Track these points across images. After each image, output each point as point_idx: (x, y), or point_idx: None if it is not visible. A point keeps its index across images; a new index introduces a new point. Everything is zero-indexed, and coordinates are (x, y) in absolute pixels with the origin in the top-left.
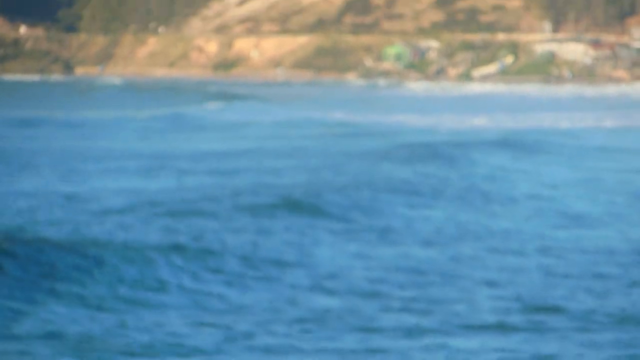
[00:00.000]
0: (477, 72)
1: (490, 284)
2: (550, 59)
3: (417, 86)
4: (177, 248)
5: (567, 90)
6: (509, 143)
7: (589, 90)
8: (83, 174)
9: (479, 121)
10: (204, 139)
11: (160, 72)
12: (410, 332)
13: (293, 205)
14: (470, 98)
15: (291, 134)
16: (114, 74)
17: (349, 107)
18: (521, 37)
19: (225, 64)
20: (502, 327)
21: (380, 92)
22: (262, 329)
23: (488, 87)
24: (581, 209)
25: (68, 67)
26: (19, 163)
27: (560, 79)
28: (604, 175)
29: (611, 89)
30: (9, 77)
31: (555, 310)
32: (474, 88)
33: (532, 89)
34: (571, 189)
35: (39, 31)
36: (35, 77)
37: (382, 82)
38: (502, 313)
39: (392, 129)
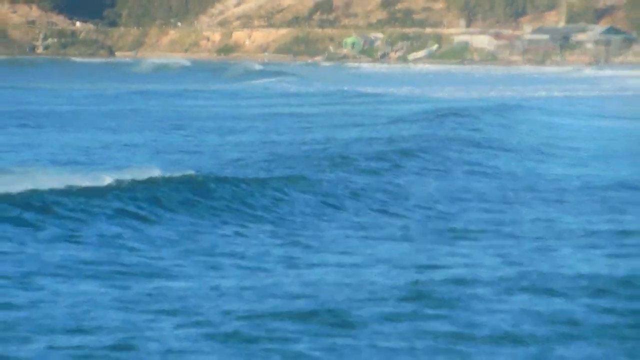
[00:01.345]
0: (411, 56)
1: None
2: (465, 47)
3: (368, 66)
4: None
5: (475, 69)
6: (522, 107)
7: (495, 70)
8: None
9: (457, 93)
10: (287, 104)
11: (178, 56)
12: None
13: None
14: (415, 74)
15: (345, 102)
16: (145, 56)
17: (349, 82)
18: (444, 31)
19: (226, 49)
20: None
21: (350, 71)
22: None
23: (423, 67)
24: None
25: (111, 52)
26: (205, 124)
27: (472, 62)
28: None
29: (510, 70)
30: (73, 58)
31: None
32: (416, 67)
33: (453, 68)
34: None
35: (90, 25)
36: (87, 59)
37: (347, 63)
38: None
39: (407, 97)
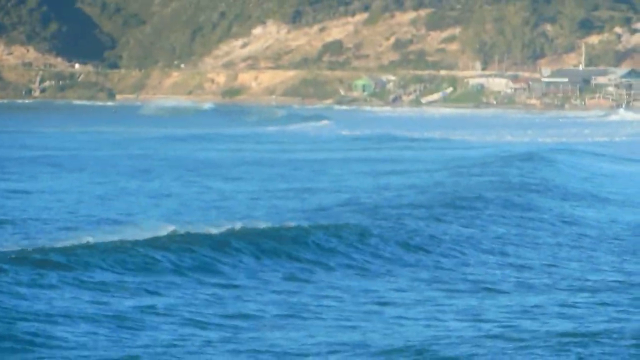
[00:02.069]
0: (425, 99)
1: None
2: (481, 90)
3: (387, 109)
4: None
5: (493, 113)
6: (568, 151)
7: (516, 114)
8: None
9: (497, 137)
10: (341, 149)
11: (182, 99)
12: None
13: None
14: (440, 118)
15: (391, 146)
16: (146, 100)
17: (384, 126)
18: (458, 73)
19: (231, 92)
20: None
21: (369, 114)
22: None
23: (440, 110)
24: None
25: (111, 95)
26: (269, 170)
27: (488, 105)
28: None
29: (527, 114)
30: (74, 101)
31: None
32: (431, 110)
33: (473, 111)
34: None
35: (89, 67)
36: (87, 102)
37: (364, 106)
38: None
39: (450, 143)
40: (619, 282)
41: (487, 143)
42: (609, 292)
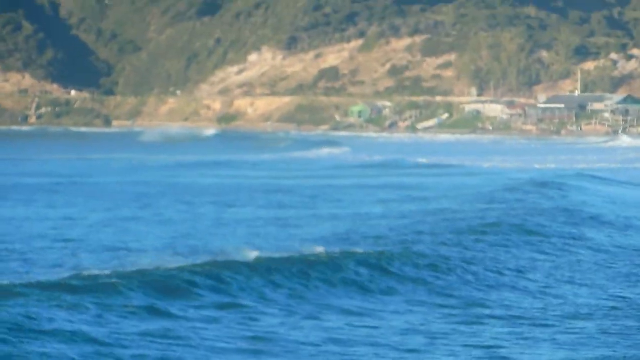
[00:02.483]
0: (421, 125)
1: None
2: (477, 116)
3: (376, 136)
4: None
5: (493, 139)
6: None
7: (513, 140)
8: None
9: (508, 164)
10: (360, 176)
11: (178, 125)
12: None
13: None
14: (439, 144)
15: (413, 173)
16: (142, 127)
17: (395, 152)
18: (454, 99)
19: (227, 118)
20: None
21: (373, 140)
22: None
23: (438, 136)
24: None
25: (107, 121)
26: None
27: (484, 131)
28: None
29: (531, 140)
30: (71, 128)
31: None
32: (427, 136)
33: (465, 137)
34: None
35: (85, 94)
36: (83, 129)
37: (360, 133)
38: None
39: (472, 169)
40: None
41: (509, 169)
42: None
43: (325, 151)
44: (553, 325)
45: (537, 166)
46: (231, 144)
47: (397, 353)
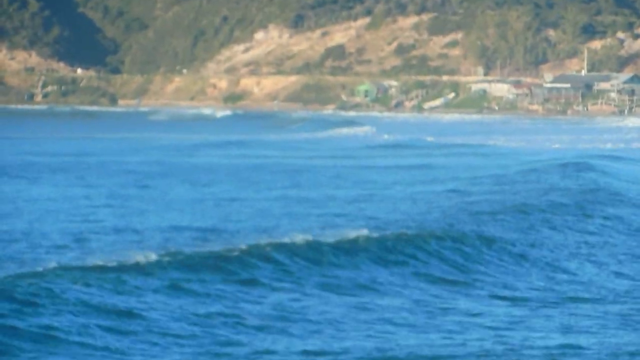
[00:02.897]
0: (427, 104)
1: None
2: (483, 95)
3: (382, 115)
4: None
5: (498, 119)
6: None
7: (515, 119)
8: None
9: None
10: (384, 156)
11: (184, 104)
12: None
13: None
14: (443, 123)
15: (438, 153)
16: (148, 105)
17: (417, 131)
18: (460, 79)
19: (233, 97)
20: None
21: (393, 119)
22: None
23: (446, 116)
24: None
25: (113, 100)
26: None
27: (491, 110)
28: None
29: (544, 120)
30: (78, 107)
31: None
32: (437, 116)
33: (473, 117)
34: None
35: (91, 72)
36: (90, 107)
37: (367, 112)
38: None
39: (499, 149)
40: None
41: (532, 150)
42: None
43: (347, 131)
44: None
45: (556, 146)
46: (252, 124)
47: None
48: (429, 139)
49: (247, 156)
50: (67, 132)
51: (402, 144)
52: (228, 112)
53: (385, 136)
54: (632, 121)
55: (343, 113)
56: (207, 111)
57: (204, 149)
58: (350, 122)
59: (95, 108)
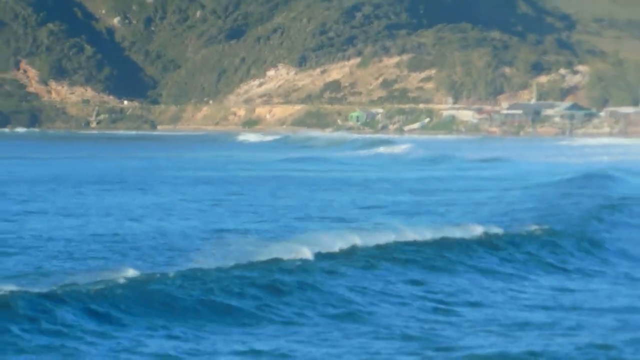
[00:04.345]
0: (407, 127)
1: None
2: (452, 120)
3: (373, 136)
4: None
5: (467, 138)
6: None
7: (479, 139)
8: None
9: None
10: (412, 170)
11: (210, 128)
12: None
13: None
14: (453, 141)
15: (485, 166)
16: (183, 130)
17: (434, 147)
18: (434, 106)
19: (250, 123)
20: None
21: (398, 139)
22: None
23: (423, 137)
24: None
25: (153, 126)
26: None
27: (458, 132)
28: None
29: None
30: (121, 132)
31: None
32: (414, 136)
33: (445, 138)
34: None
35: (135, 103)
36: (133, 132)
37: (358, 134)
38: None
39: (511, 163)
40: None
41: (548, 163)
42: None
43: (385, 149)
44: None
45: (575, 160)
46: (295, 145)
47: None
48: (461, 154)
49: (332, 170)
50: (156, 151)
51: (442, 159)
52: (272, 137)
53: (421, 151)
54: (578, 141)
55: (345, 134)
56: (253, 138)
57: (289, 164)
58: (386, 142)
59: (140, 132)
